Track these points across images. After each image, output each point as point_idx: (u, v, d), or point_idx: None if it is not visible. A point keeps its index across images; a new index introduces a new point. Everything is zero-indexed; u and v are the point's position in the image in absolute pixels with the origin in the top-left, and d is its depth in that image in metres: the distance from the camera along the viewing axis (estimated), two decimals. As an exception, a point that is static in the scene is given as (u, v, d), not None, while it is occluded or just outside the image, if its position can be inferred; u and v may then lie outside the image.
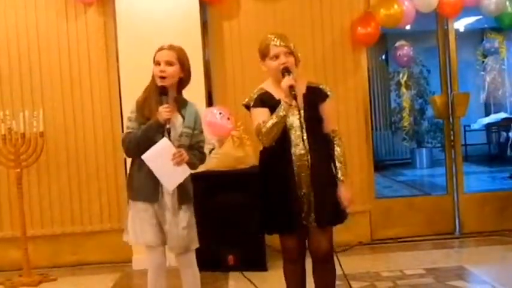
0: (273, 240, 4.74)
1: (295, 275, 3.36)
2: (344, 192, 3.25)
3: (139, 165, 3.30)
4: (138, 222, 3.33)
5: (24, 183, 5.24)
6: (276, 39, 3.20)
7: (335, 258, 3.32)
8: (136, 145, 3.27)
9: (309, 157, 3.14)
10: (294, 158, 3.18)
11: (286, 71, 3.14)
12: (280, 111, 3.09)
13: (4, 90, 5.49)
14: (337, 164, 3.26)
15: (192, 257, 3.45)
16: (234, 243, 4.88)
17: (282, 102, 3.10)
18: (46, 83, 5.51)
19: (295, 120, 3.16)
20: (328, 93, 3.32)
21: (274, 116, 3.11)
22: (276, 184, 3.21)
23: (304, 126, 3.15)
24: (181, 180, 3.28)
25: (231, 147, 5.04)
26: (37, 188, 5.51)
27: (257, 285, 4.42)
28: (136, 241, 3.37)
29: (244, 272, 4.67)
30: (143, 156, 3.23)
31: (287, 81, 3.10)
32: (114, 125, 5.51)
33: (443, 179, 6.19)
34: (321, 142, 3.25)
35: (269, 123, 3.11)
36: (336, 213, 3.26)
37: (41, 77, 5.50)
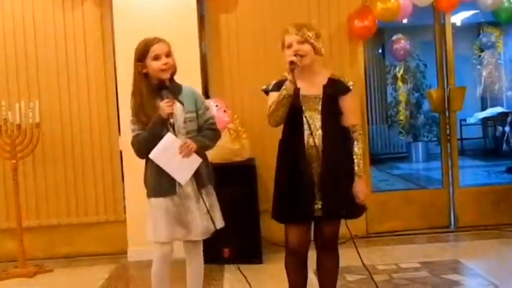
0: (268, 232, 4.76)
1: (297, 269, 3.34)
2: (360, 187, 3.22)
3: (150, 163, 3.28)
4: (151, 219, 3.30)
5: (20, 175, 5.24)
6: (290, 28, 3.19)
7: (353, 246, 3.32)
8: (145, 145, 3.23)
9: (320, 148, 3.13)
10: (306, 148, 3.16)
11: (295, 55, 3.13)
12: (284, 89, 3.09)
13: (0, 81, 5.48)
14: (355, 160, 3.22)
15: (201, 249, 3.46)
16: (229, 236, 4.85)
17: (287, 81, 3.10)
18: (42, 75, 5.50)
19: (311, 113, 3.15)
20: (350, 87, 3.26)
21: (277, 95, 3.11)
22: (288, 174, 3.20)
23: (301, 102, 3.12)
24: (192, 172, 3.26)
25: (227, 140, 5.03)
26: (33, 179, 5.51)
27: (252, 278, 4.39)
28: (150, 238, 3.31)
29: (239, 265, 4.65)
30: (150, 156, 3.22)
31: (288, 56, 3.11)
32: (110, 117, 5.51)
33: (439, 172, 6.21)
34: (337, 135, 3.21)
35: (274, 103, 3.12)
36: (345, 207, 3.20)
37: (37, 68, 5.49)
